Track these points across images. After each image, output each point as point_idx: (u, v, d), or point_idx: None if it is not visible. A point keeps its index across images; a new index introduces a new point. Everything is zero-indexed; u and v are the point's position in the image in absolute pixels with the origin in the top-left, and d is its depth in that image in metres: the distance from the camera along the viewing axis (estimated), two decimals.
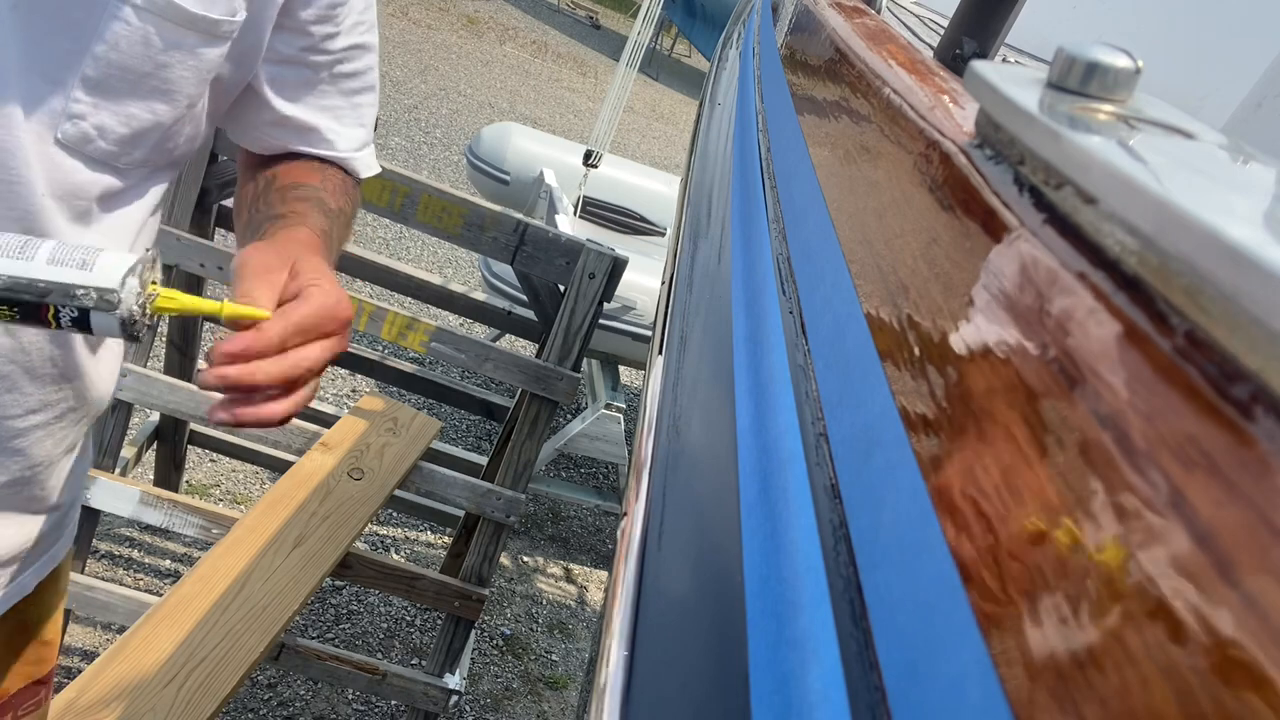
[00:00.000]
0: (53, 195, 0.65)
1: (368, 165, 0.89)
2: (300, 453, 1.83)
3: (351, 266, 2.18)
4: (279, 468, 2.48)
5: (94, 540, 2.25)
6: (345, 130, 0.85)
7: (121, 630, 2.17)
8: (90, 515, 1.86)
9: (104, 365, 0.81)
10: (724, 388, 0.62)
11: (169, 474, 2.47)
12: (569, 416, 3.55)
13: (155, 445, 2.45)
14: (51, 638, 0.95)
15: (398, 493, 1.98)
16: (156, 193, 0.76)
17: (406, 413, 2.02)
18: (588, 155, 3.74)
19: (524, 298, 2.44)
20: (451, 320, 3.74)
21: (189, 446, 2.50)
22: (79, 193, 0.67)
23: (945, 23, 0.92)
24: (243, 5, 0.70)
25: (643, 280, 2.89)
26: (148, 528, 2.53)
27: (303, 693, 2.30)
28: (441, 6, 10.23)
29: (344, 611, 2.58)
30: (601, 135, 3.75)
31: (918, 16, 1.64)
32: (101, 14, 0.62)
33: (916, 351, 0.39)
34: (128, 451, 2.26)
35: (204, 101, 0.74)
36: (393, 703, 2.36)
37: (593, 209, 3.96)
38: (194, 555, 2.54)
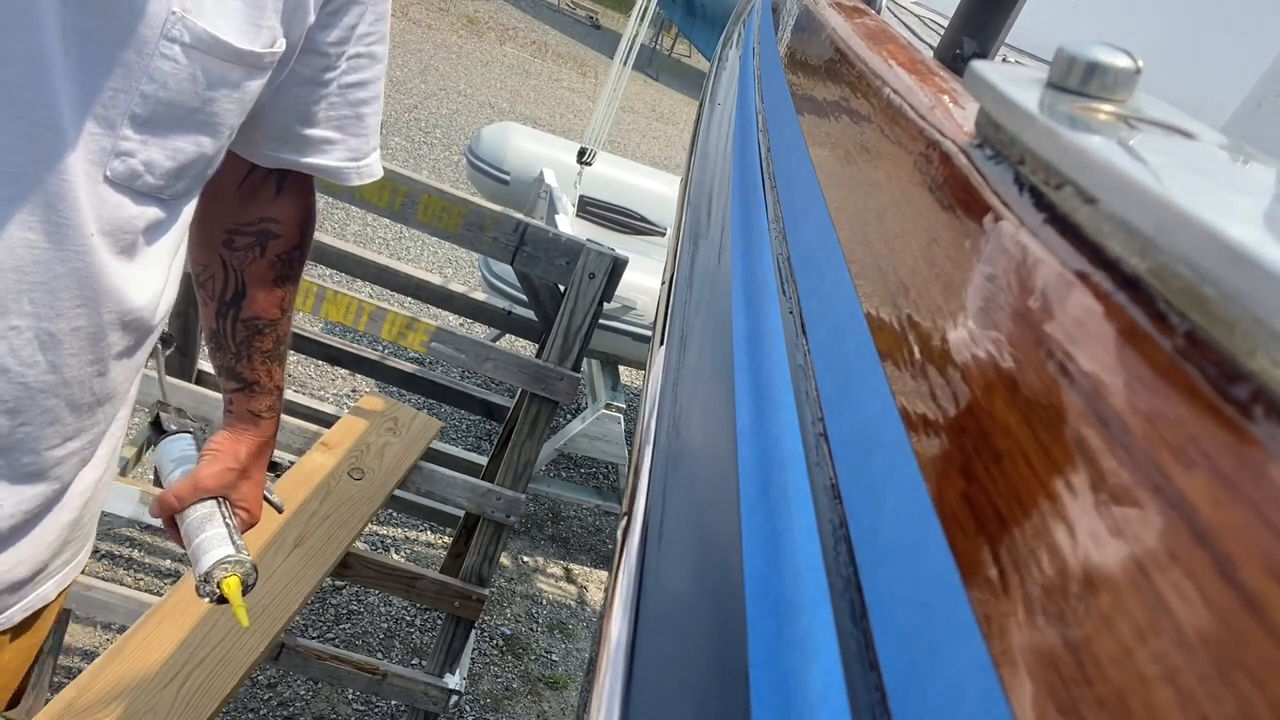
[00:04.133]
0: (101, 232, 0.66)
1: (365, 174, 0.90)
2: (300, 453, 1.83)
3: (351, 266, 2.18)
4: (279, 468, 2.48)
5: (94, 540, 2.25)
6: (346, 140, 0.86)
7: (121, 630, 2.17)
8: None
9: (134, 382, 0.82)
10: (724, 388, 0.62)
11: None
12: (569, 416, 3.55)
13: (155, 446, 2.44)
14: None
15: (398, 493, 1.98)
16: (189, 211, 0.78)
17: (406, 413, 2.02)
18: (581, 153, 3.74)
19: (524, 298, 2.44)
20: (451, 320, 3.74)
21: None
22: (126, 227, 0.68)
23: (945, 23, 0.92)
24: (281, 35, 0.71)
25: (643, 280, 2.89)
26: (148, 528, 2.53)
27: (303, 693, 2.30)
28: (441, 6, 10.23)
29: (344, 611, 2.58)
30: (596, 133, 3.75)
31: (918, 16, 1.64)
32: (152, 54, 0.62)
33: (916, 351, 0.39)
34: (128, 451, 2.26)
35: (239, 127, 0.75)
36: (393, 703, 2.36)
37: (593, 209, 3.96)
38: None
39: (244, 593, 0.92)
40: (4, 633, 0.81)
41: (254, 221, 0.91)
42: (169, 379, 1.83)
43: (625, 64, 3.92)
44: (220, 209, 0.90)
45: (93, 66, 0.61)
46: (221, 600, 0.91)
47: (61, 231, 0.63)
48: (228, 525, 0.94)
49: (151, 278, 0.73)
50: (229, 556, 0.91)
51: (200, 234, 0.92)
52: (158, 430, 1.04)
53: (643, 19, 4.01)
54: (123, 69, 0.62)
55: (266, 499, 1.10)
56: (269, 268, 0.93)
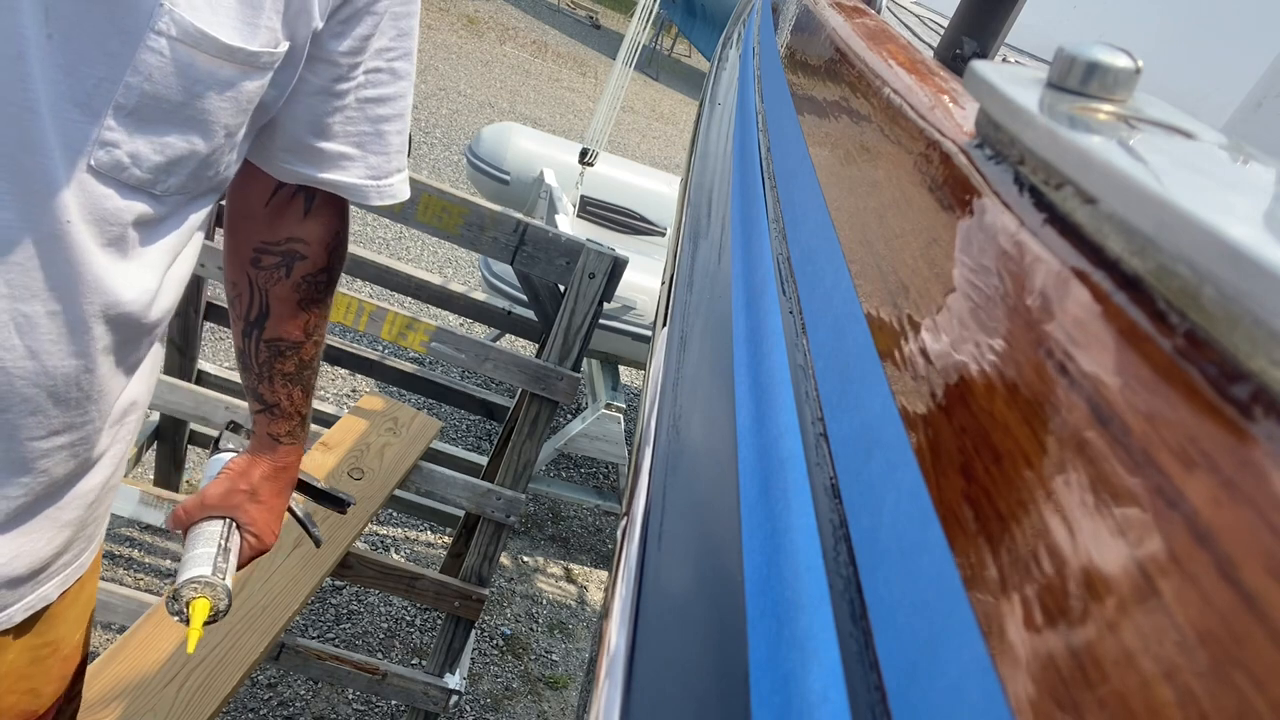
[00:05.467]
0: (84, 220, 0.65)
1: (387, 194, 0.88)
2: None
3: (351, 266, 2.18)
4: None
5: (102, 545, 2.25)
6: (366, 157, 0.85)
7: (121, 630, 2.17)
8: None
9: (144, 384, 0.81)
10: (724, 387, 0.62)
11: (169, 473, 2.48)
12: (569, 416, 3.55)
13: (155, 445, 2.45)
14: (72, 654, 0.94)
15: (398, 493, 1.98)
16: (197, 218, 0.77)
17: (406, 413, 2.02)
18: (583, 154, 3.74)
19: (524, 298, 2.44)
20: (451, 320, 3.74)
21: (189, 446, 2.50)
22: (111, 219, 0.67)
23: (945, 23, 0.92)
24: (283, 37, 0.70)
25: (643, 280, 2.89)
26: (148, 528, 2.53)
27: (303, 693, 2.30)
28: (441, 6, 10.23)
29: (344, 611, 2.58)
30: (598, 133, 3.75)
31: (918, 16, 1.65)
32: (137, 44, 0.62)
33: (916, 351, 0.39)
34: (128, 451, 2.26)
35: (245, 129, 0.74)
36: (393, 703, 2.36)
37: (593, 209, 3.96)
38: None
39: (213, 619, 0.90)
40: (6, 632, 0.80)
41: (281, 241, 0.91)
42: (170, 379, 1.84)
43: (628, 65, 3.92)
44: (249, 227, 0.90)
45: (75, 53, 0.60)
46: (189, 621, 0.89)
47: (36, 212, 0.63)
48: (219, 546, 0.93)
49: (143, 274, 0.72)
50: (201, 577, 0.90)
51: (231, 252, 0.92)
52: (216, 447, 1.06)
53: (645, 21, 4.01)
54: (107, 58, 0.61)
55: (308, 532, 1.10)
56: (294, 289, 0.93)
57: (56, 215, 0.63)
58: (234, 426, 1.08)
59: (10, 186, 0.61)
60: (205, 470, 1.03)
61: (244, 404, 1.83)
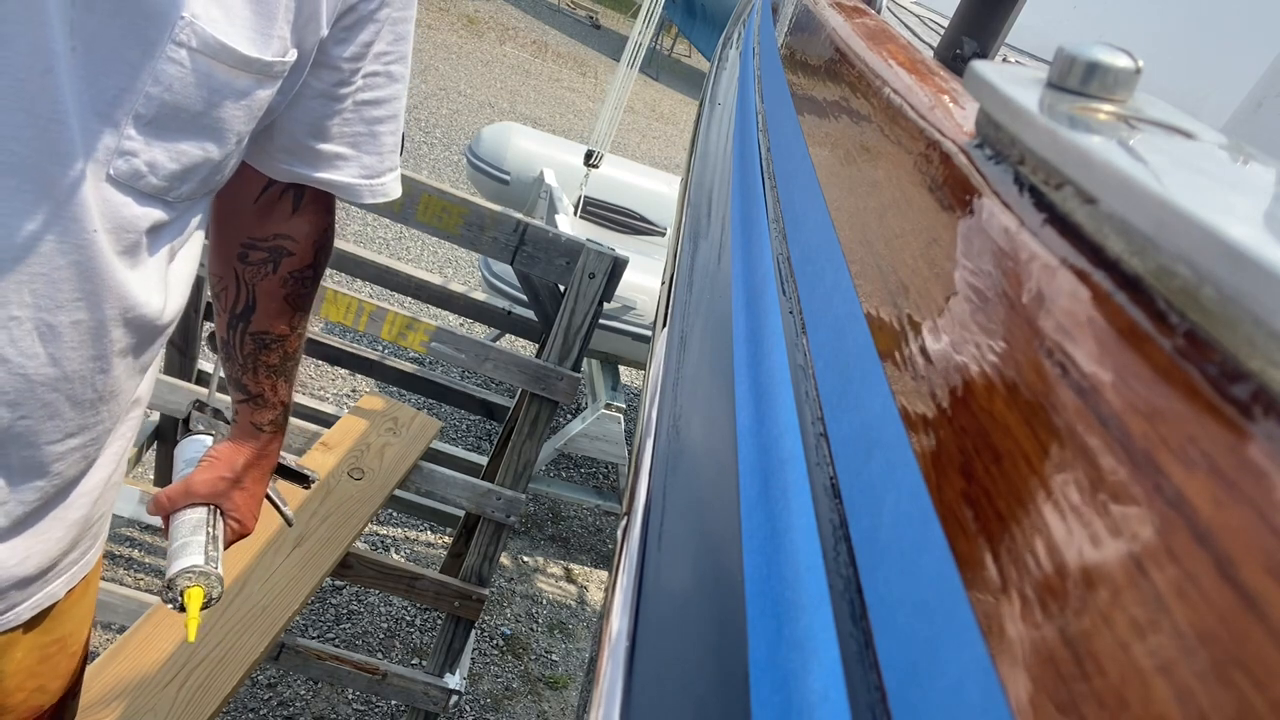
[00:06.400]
0: (104, 229, 0.66)
1: (379, 193, 0.90)
2: (300, 453, 1.83)
3: (351, 266, 2.18)
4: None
5: (105, 541, 2.25)
6: (360, 157, 0.86)
7: (121, 630, 2.17)
8: None
9: (147, 381, 0.82)
10: (724, 387, 0.62)
11: (169, 473, 2.47)
12: (569, 416, 3.55)
13: (155, 445, 2.45)
14: (78, 650, 0.95)
15: (398, 493, 1.97)
16: (200, 218, 0.78)
17: (406, 413, 2.02)
18: (589, 155, 3.74)
19: (524, 298, 2.45)
20: (451, 320, 3.74)
21: None
22: (129, 226, 0.68)
23: (945, 23, 0.92)
24: (292, 45, 0.71)
25: (643, 280, 2.89)
26: (148, 528, 2.53)
27: (303, 693, 2.30)
28: (441, 6, 10.23)
29: (344, 611, 2.58)
30: (602, 135, 3.75)
31: (918, 16, 1.65)
32: (156, 55, 0.62)
33: (916, 351, 0.39)
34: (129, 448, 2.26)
35: (250, 134, 0.75)
36: (393, 703, 2.36)
37: (593, 209, 3.96)
38: None
39: (205, 606, 0.90)
40: (14, 629, 0.81)
41: (269, 237, 0.91)
42: (170, 379, 1.84)
43: (631, 67, 3.92)
44: (237, 222, 0.90)
45: (98, 65, 0.61)
46: (184, 609, 0.89)
47: (63, 224, 0.63)
48: (208, 534, 0.93)
49: (156, 278, 0.73)
50: (195, 566, 0.90)
51: (217, 245, 0.93)
52: (185, 428, 1.06)
53: (650, 22, 4.01)
54: (128, 69, 0.62)
55: (279, 511, 1.10)
56: (280, 284, 0.94)
57: (83, 225, 0.64)
58: (200, 405, 1.08)
59: (36, 197, 0.62)
60: (180, 453, 1.03)
61: None
